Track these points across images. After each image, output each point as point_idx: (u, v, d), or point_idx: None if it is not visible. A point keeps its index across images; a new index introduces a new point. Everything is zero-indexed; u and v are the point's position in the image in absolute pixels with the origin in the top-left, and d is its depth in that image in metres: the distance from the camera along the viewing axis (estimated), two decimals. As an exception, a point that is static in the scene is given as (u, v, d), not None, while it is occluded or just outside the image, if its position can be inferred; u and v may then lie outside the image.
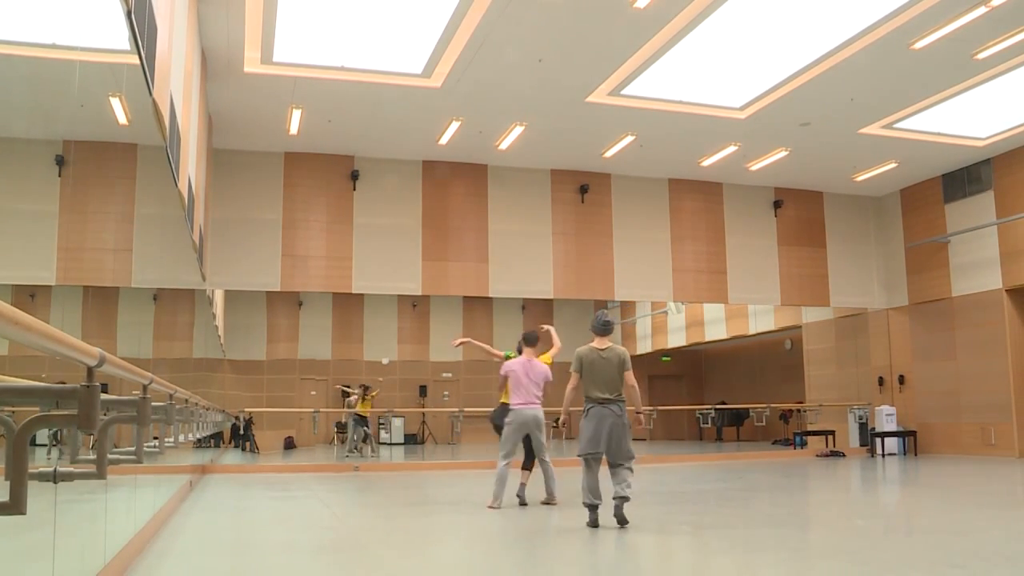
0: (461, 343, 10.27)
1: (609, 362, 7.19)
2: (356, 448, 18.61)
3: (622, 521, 6.95)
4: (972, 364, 16.38)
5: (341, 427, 24.88)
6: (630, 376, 7.25)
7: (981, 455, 15.90)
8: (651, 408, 21.35)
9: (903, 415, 17.70)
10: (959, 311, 16.70)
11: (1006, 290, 15.73)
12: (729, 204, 17.53)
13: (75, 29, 3.72)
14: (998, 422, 15.80)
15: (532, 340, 9.02)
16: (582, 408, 7.27)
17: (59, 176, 3.46)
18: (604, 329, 7.36)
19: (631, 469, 7.14)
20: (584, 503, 7.11)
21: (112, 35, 4.54)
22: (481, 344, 10.17)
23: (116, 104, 4.75)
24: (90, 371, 2.28)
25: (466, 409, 19.87)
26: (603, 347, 7.28)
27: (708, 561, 6.12)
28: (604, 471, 7.28)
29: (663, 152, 15.54)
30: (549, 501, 8.78)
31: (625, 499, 6.96)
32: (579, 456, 7.23)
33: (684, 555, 6.53)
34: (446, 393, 27.30)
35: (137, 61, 4.93)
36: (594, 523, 7.04)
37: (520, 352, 9.10)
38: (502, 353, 9.49)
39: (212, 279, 13.85)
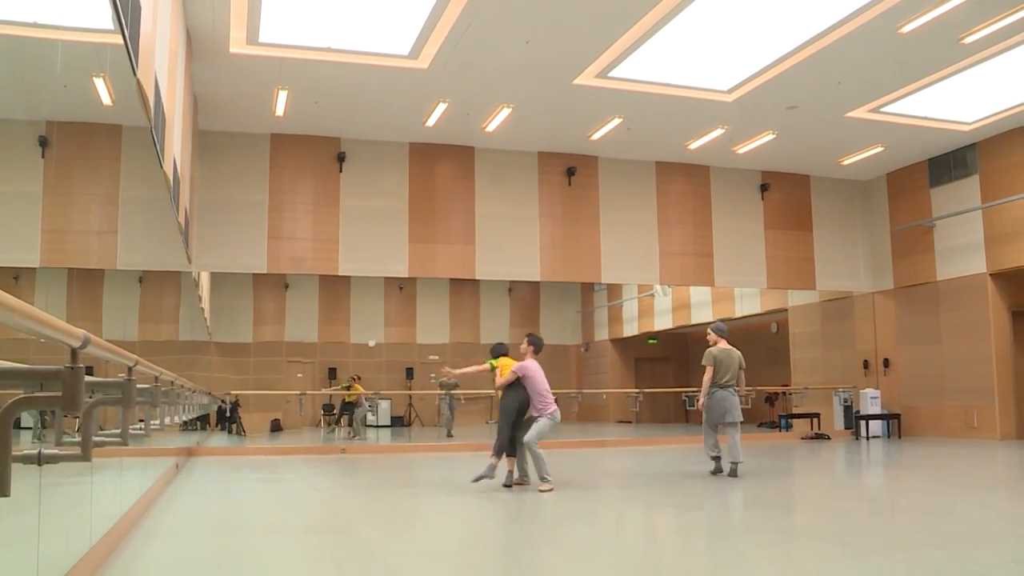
0: (453, 377, 9.86)
1: (732, 360, 9.82)
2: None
3: (735, 475, 9.48)
4: (956, 348, 16.50)
5: (328, 409, 24.94)
6: (743, 374, 9.94)
7: (964, 438, 16.04)
8: (638, 391, 21.44)
9: (887, 398, 17.83)
10: (944, 295, 16.80)
11: (990, 274, 15.83)
12: (716, 187, 17.55)
13: (57, 8, 3.67)
14: (981, 405, 15.94)
15: (541, 345, 9.30)
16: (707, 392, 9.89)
17: (42, 157, 3.43)
18: (726, 334, 10.11)
19: (738, 433, 9.74)
20: (710, 456, 9.91)
21: (95, 14, 4.49)
22: (466, 371, 9.87)
23: (100, 84, 4.70)
24: (74, 352, 2.27)
25: (453, 392, 19.88)
26: (728, 348, 9.91)
27: (694, 542, 6.16)
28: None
29: (650, 135, 15.53)
30: (523, 481, 8.98)
31: (739, 463, 9.53)
32: (710, 425, 9.86)
33: (671, 536, 6.57)
34: (433, 375, 27.30)
35: (121, 41, 4.88)
36: (717, 470, 9.80)
37: (496, 356, 9.34)
38: (487, 365, 9.44)
39: (198, 261, 13.80)
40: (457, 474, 10.84)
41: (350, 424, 19.80)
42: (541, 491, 8.37)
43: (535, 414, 8.85)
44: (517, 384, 8.93)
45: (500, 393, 9.09)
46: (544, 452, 8.71)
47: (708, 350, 10.00)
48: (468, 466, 12.24)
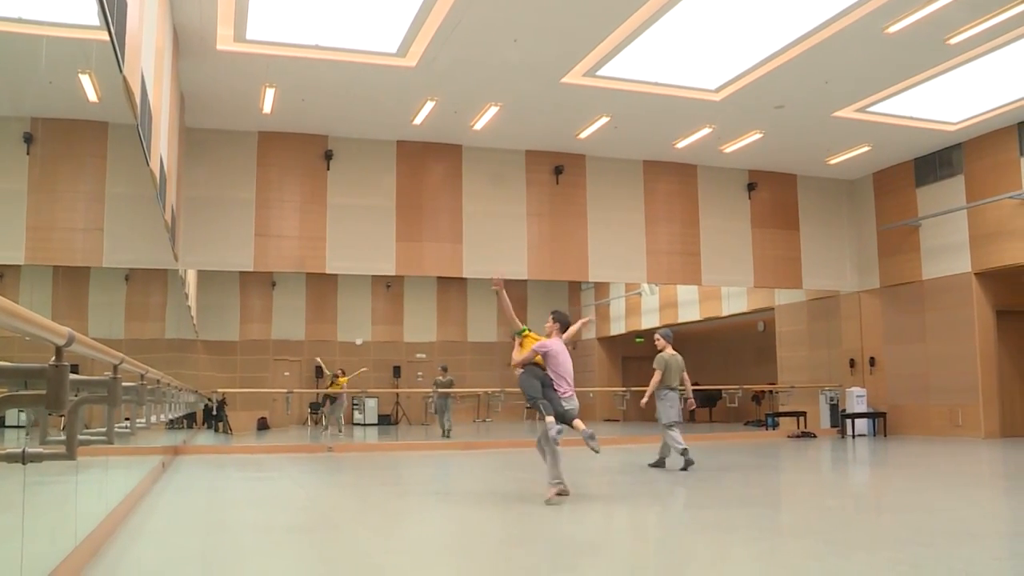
0: (497, 284, 8.25)
1: (679, 363, 10.77)
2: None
3: (662, 465, 10.56)
4: (941, 347, 16.59)
5: (314, 407, 24.90)
6: (686, 374, 10.92)
7: (948, 436, 16.13)
8: (625, 389, 21.47)
9: (873, 397, 17.91)
10: (929, 294, 16.89)
11: (975, 274, 15.92)
12: (703, 186, 17.59)
13: (42, 4, 3.65)
14: (965, 404, 16.03)
15: (567, 323, 8.32)
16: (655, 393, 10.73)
17: (27, 154, 3.41)
18: (672, 339, 10.95)
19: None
20: (680, 452, 10.27)
21: (81, 10, 4.46)
22: (507, 302, 8.26)
23: (86, 81, 4.68)
24: (59, 351, 2.26)
25: (440, 390, 19.84)
26: (673, 353, 10.78)
27: (680, 540, 6.18)
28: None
29: (638, 134, 15.54)
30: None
31: (669, 456, 10.62)
32: (667, 424, 10.47)
33: (656, 533, 6.58)
34: (420, 374, 27.28)
35: (107, 37, 4.85)
36: (689, 463, 10.14)
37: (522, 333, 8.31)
38: (520, 325, 8.32)
39: (185, 259, 13.74)
40: (445, 473, 10.83)
41: (332, 413, 19.99)
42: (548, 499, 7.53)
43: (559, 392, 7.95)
44: (534, 369, 7.98)
45: (517, 371, 8.09)
46: (537, 450, 8.31)
47: (659, 355, 10.78)
48: (457, 465, 12.24)
